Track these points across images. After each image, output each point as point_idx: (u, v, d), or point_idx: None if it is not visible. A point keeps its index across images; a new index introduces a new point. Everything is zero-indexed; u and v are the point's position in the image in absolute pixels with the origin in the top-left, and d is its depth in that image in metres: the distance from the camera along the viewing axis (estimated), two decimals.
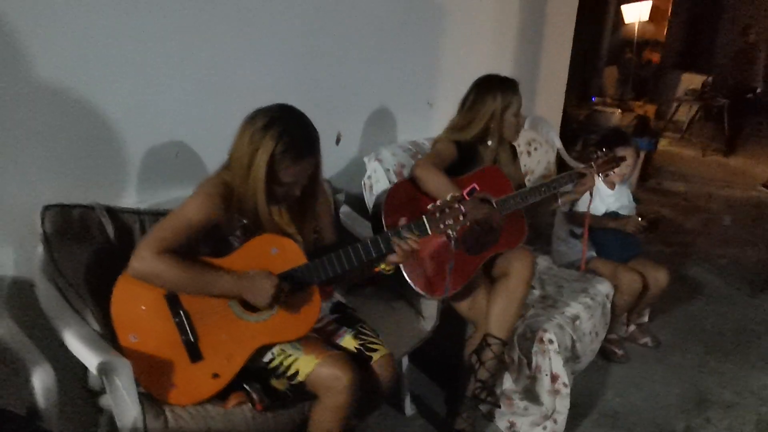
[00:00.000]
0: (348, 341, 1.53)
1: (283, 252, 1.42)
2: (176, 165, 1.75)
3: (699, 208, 4.53)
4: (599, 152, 2.11)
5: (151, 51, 1.62)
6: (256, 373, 1.43)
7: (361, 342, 1.52)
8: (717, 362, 2.48)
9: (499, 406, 1.91)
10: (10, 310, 1.36)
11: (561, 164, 3.00)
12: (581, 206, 2.58)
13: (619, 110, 5.68)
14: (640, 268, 2.42)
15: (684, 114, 6.87)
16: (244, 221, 1.43)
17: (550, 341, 1.92)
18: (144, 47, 1.60)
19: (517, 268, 1.83)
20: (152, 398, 1.33)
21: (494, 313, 1.82)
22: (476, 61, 2.79)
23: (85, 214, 1.48)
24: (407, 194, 1.82)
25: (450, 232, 1.49)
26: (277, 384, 1.42)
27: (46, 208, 1.40)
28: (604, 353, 2.45)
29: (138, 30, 1.58)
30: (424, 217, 1.48)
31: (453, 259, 1.72)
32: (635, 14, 6.10)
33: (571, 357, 2.07)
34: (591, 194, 2.27)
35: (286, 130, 1.34)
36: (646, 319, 2.68)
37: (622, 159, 2.22)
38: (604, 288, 2.31)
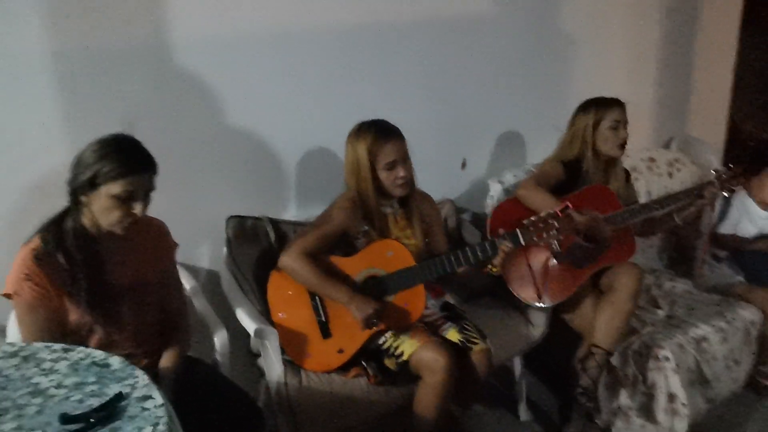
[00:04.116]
0: (452, 334, 1.76)
1: (396, 255, 1.74)
2: (327, 187, 2.17)
3: None
4: (722, 167, 2.06)
5: (311, 99, 2.08)
6: (373, 353, 1.74)
7: (464, 336, 1.74)
8: None
9: (599, 412, 1.94)
10: (204, 291, 1.87)
11: None
12: (724, 227, 2.46)
13: None
14: None
15: None
16: (366, 227, 1.77)
17: (666, 358, 1.91)
18: (306, 96, 2.07)
19: (623, 282, 1.88)
20: (293, 363, 1.72)
21: (600, 324, 1.89)
22: (610, 85, 2.80)
23: (256, 223, 1.96)
24: (513, 212, 1.99)
25: (553, 243, 1.66)
26: (389, 364, 1.71)
27: (229, 218, 1.91)
28: (755, 386, 2.27)
29: (301, 81, 2.05)
30: (518, 229, 1.68)
31: (549, 271, 1.85)
32: None
33: (698, 380, 2.01)
34: (713, 208, 2.19)
35: (373, 124, 1.74)
36: None
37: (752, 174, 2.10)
38: (748, 314, 2.19)
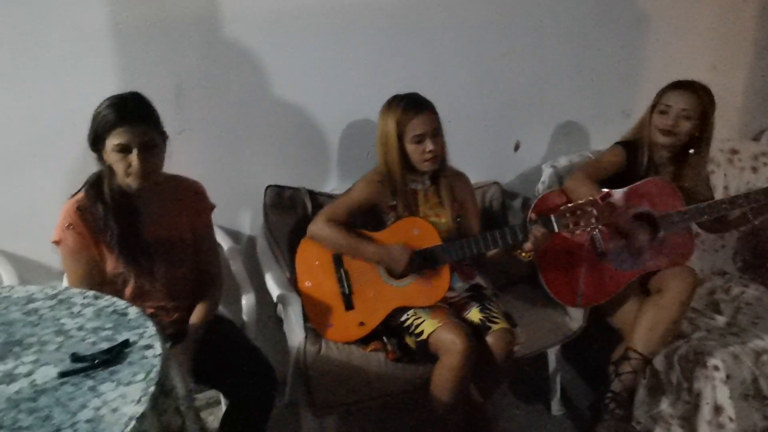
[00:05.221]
0: (474, 314, 1.71)
1: (422, 233, 1.71)
2: (368, 162, 2.17)
3: None
4: None
5: (357, 74, 2.08)
6: (394, 330, 1.74)
7: (485, 315, 1.69)
8: None
9: (629, 421, 1.82)
10: (243, 255, 1.95)
11: None
12: None
13: None
14: None
15: None
16: (394, 203, 1.75)
17: (716, 368, 1.75)
18: (352, 71, 2.07)
19: (673, 286, 1.74)
20: (315, 332, 1.76)
21: (640, 328, 1.76)
22: (690, 67, 2.57)
23: (294, 194, 2.00)
24: (559, 204, 1.88)
25: (597, 240, 1.56)
26: (410, 341, 1.70)
27: (267, 187, 1.96)
28: None
29: (348, 55, 2.04)
30: (552, 215, 1.60)
31: (587, 269, 1.74)
32: None
33: (755, 396, 1.83)
34: None
35: (404, 97, 1.71)
36: None
37: None
38: None
